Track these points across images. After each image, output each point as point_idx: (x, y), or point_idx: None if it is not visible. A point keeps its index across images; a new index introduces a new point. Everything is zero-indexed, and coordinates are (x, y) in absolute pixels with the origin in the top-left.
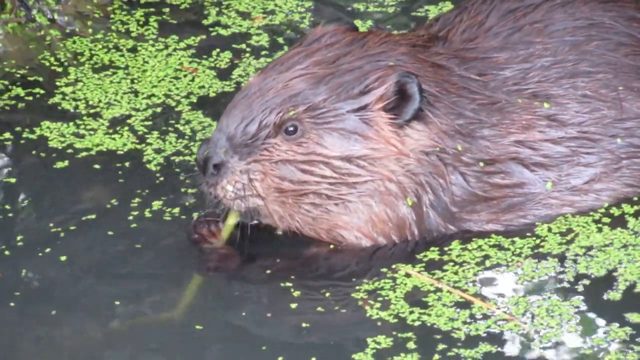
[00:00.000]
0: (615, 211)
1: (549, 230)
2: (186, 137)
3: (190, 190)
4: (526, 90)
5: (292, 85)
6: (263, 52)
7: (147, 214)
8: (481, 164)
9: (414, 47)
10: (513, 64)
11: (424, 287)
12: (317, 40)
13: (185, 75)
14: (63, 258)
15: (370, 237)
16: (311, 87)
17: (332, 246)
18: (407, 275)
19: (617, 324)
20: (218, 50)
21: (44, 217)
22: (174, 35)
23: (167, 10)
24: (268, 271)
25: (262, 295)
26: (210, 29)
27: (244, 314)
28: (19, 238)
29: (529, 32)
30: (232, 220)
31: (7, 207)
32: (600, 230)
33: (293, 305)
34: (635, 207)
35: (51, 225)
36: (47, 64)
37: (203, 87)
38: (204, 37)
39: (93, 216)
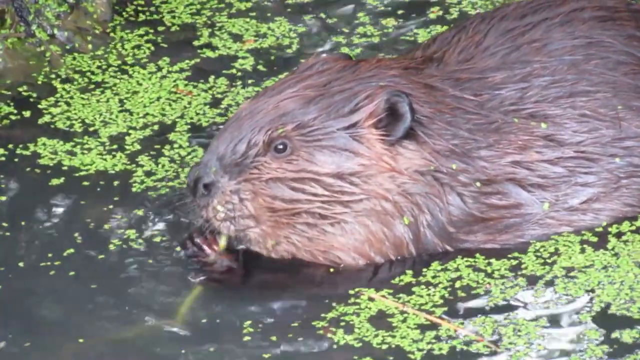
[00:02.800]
0: (606, 230)
1: (535, 250)
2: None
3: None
4: (524, 110)
5: (282, 106)
6: (248, 79)
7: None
8: (478, 184)
9: (406, 69)
10: (510, 84)
11: (389, 310)
12: (310, 67)
13: (176, 100)
14: (53, 272)
15: (367, 257)
16: (301, 107)
17: (332, 269)
18: (371, 299)
19: (584, 345)
20: (201, 72)
21: (37, 232)
22: (165, 57)
23: (162, 29)
24: (263, 286)
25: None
26: (199, 51)
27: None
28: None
29: (527, 51)
30: (224, 240)
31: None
32: (583, 251)
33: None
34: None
35: (45, 241)
36: (46, 80)
37: (196, 113)
38: (192, 59)
39: (83, 233)
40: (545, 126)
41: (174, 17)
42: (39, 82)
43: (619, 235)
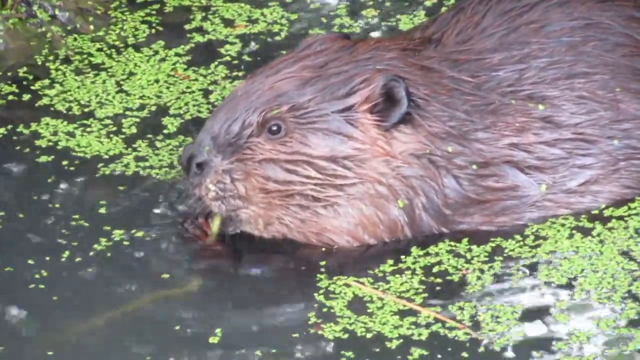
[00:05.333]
0: (597, 215)
1: (520, 235)
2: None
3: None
4: (521, 92)
5: (278, 87)
6: (233, 61)
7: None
8: (474, 166)
9: (404, 51)
10: (508, 65)
11: (367, 297)
12: (308, 47)
13: (174, 83)
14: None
15: (360, 240)
16: (296, 89)
17: (324, 249)
18: (347, 285)
19: (564, 334)
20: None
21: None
22: (161, 40)
23: (164, 9)
24: (261, 270)
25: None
26: (189, 35)
27: (238, 312)
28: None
29: (525, 33)
30: (217, 221)
31: None
32: (571, 236)
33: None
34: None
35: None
36: (46, 61)
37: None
38: (188, 43)
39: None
40: (543, 108)
41: None
42: (39, 63)
43: (606, 220)
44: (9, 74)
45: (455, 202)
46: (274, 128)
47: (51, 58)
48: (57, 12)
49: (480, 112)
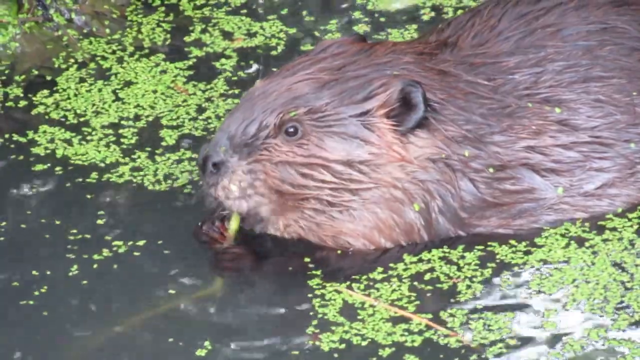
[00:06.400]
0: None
1: (514, 243)
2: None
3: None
4: (538, 95)
5: (296, 89)
6: (229, 76)
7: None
8: (491, 169)
9: (421, 55)
10: (524, 68)
11: (358, 305)
12: (324, 50)
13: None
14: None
15: (377, 244)
16: (314, 91)
17: (339, 251)
18: (338, 291)
19: (557, 343)
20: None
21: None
22: (160, 53)
23: (176, 15)
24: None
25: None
26: (186, 49)
27: (255, 314)
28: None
29: (541, 36)
30: (235, 221)
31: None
32: (567, 246)
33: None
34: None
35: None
36: (63, 64)
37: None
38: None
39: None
40: (560, 111)
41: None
42: (56, 66)
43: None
44: (24, 76)
45: (471, 205)
46: (291, 130)
47: (71, 61)
48: (73, 15)
49: (497, 116)
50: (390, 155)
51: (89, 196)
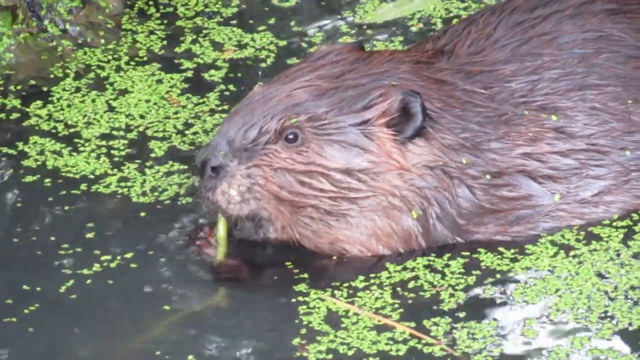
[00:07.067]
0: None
1: (499, 251)
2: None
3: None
4: (534, 102)
5: (295, 95)
6: (219, 88)
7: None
8: (488, 176)
9: (418, 64)
10: (521, 76)
11: (341, 312)
12: (323, 57)
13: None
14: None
15: (374, 251)
16: (314, 99)
17: (335, 258)
18: (321, 299)
19: (538, 351)
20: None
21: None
22: (155, 62)
23: (173, 24)
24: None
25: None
26: (176, 60)
27: (251, 325)
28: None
29: (538, 44)
30: (223, 228)
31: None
32: (555, 254)
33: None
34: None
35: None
36: (58, 74)
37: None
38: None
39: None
40: (556, 118)
41: (187, 8)
42: (51, 77)
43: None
44: (19, 87)
45: (469, 211)
46: (291, 136)
47: (66, 71)
48: (67, 26)
49: (493, 123)
50: (390, 163)
51: (78, 207)
